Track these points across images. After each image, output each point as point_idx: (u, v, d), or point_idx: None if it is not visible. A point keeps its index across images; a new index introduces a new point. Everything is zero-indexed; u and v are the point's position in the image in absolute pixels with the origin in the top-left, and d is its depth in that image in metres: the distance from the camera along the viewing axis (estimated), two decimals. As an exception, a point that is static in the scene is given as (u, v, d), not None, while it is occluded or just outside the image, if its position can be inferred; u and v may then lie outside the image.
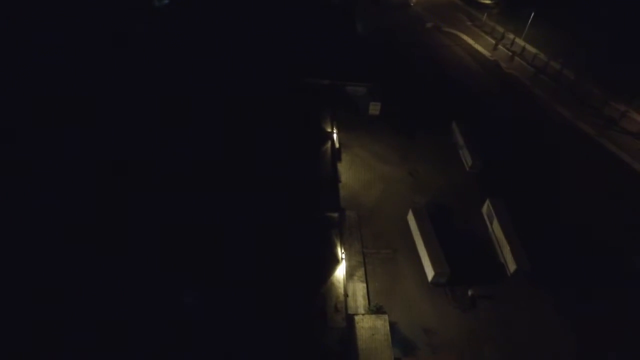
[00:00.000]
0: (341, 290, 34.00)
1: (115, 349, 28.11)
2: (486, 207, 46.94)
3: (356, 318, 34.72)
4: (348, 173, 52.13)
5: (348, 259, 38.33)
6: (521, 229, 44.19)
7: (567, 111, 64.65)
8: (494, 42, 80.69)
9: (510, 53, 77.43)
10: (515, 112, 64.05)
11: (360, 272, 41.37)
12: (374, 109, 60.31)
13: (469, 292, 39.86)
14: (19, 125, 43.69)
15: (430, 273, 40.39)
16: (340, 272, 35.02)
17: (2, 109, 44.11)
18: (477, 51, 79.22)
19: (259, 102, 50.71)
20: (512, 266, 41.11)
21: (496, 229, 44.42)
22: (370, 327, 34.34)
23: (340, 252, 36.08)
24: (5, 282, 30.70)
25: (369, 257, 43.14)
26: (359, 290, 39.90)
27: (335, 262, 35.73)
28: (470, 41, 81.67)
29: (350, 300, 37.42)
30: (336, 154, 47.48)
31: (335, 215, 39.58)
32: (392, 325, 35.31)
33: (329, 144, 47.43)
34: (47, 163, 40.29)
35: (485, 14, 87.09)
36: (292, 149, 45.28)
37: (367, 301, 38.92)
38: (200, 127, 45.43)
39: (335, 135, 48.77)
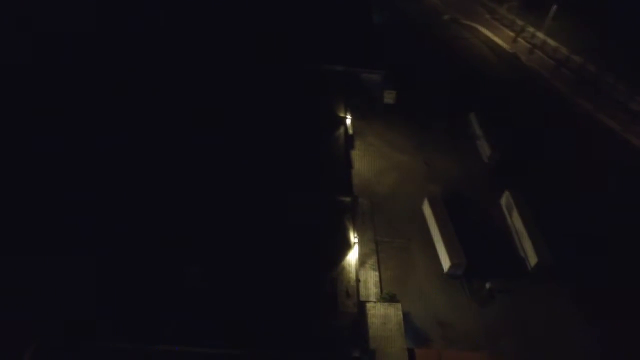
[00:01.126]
0: (352, 275, 32.34)
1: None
2: (505, 199, 44.95)
3: (368, 305, 33.08)
4: (361, 161, 50.53)
5: (360, 246, 36.69)
6: (541, 222, 42.18)
7: (589, 104, 62.22)
8: (513, 35, 78.42)
9: (529, 46, 75.15)
10: (534, 104, 61.81)
11: (373, 261, 39.73)
12: (389, 97, 58.51)
13: (487, 285, 37.94)
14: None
15: (446, 264, 38.56)
16: (352, 257, 33.37)
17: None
18: (495, 44, 76.92)
19: (268, 87, 49.18)
20: (532, 260, 39.12)
21: (516, 221, 42.41)
22: (382, 315, 32.66)
23: (353, 237, 34.44)
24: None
25: (382, 245, 41.48)
26: (371, 278, 38.26)
27: (347, 246, 34.07)
28: (488, 34, 79.40)
29: (361, 288, 35.80)
30: (349, 140, 45.82)
31: (348, 199, 37.92)
32: (405, 316, 33.52)
33: (341, 129, 45.75)
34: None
35: (505, 7, 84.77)
36: (303, 134, 43.65)
37: (379, 290, 37.30)
38: (208, 110, 43.99)
39: (348, 121, 47.14)
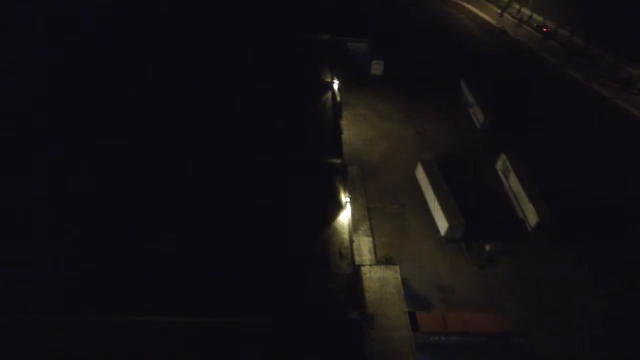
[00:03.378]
0: (346, 236, 29.83)
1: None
2: (501, 162, 43.09)
3: (363, 269, 30.49)
4: (350, 130, 48.12)
5: (353, 211, 34.24)
6: (538, 184, 40.45)
7: (579, 75, 61.13)
8: (499, 11, 77.30)
9: (516, 21, 74.04)
10: (524, 75, 60.38)
11: (365, 226, 37.35)
12: (377, 68, 56.48)
13: (487, 248, 35.87)
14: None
15: (443, 227, 36.38)
16: (344, 218, 30.89)
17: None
18: (482, 19, 75.64)
19: (252, 54, 46.52)
20: (533, 219, 37.25)
21: (513, 183, 40.55)
22: (379, 278, 30.17)
23: (344, 198, 31.97)
24: None
25: (374, 212, 39.16)
26: (365, 244, 35.87)
27: (339, 207, 31.58)
28: (474, 10, 78.12)
29: (355, 255, 33.27)
30: (337, 105, 43.32)
31: (338, 161, 35.43)
32: (402, 281, 31.21)
33: (329, 94, 43.31)
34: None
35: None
36: (290, 98, 41.11)
37: (373, 256, 34.92)
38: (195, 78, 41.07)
39: (335, 86, 44.68)
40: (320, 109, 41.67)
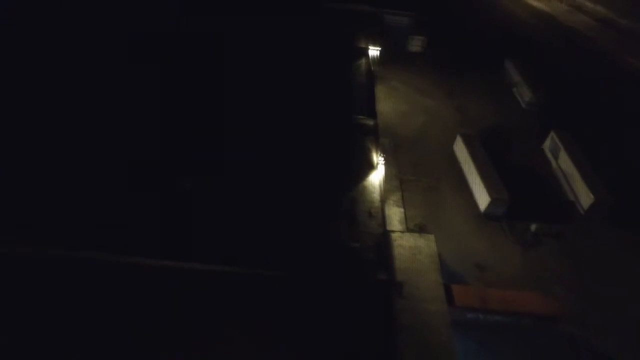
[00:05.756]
0: (376, 196, 27.06)
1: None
2: (550, 141, 39.18)
3: (393, 235, 27.44)
4: (384, 103, 45.14)
5: (385, 178, 31.36)
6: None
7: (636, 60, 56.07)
8: (550, -2, 72.67)
9: (568, 8, 69.24)
10: (578, 61, 55.75)
11: (397, 197, 34.26)
12: (416, 44, 53.30)
13: (532, 228, 32.22)
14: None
15: (484, 202, 32.94)
16: (375, 178, 28.14)
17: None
18: (531, 6, 71.13)
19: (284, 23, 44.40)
20: (587, 201, 33.27)
21: (564, 163, 36.60)
22: (411, 246, 26.98)
23: (376, 158, 29.19)
24: None
25: (406, 184, 36.04)
26: (395, 215, 32.77)
27: (370, 167, 28.86)
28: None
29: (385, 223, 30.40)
30: (371, 71, 40.57)
31: (371, 122, 32.71)
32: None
33: (363, 60, 40.74)
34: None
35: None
36: (323, 63, 38.74)
37: (404, 227, 31.84)
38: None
39: (371, 52, 42.02)
40: (355, 73, 39.22)
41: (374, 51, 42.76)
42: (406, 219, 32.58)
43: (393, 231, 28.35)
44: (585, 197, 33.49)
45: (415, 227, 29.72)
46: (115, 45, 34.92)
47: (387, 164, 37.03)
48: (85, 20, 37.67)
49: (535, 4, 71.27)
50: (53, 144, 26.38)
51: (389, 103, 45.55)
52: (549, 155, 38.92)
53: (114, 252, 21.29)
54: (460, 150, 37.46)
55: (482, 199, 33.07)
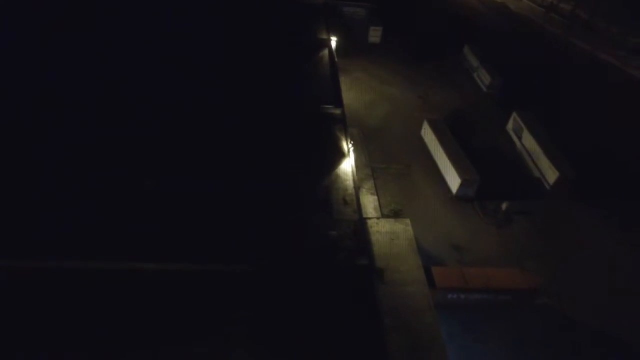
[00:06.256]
0: (350, 183, 26.34)
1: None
2: (512, 122, 40.06)
3: (369, 222, 26.97)
4: (348, 94, 44.50)
5: (356, 166, 30.82)
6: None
7: (585, 44, 58.69)
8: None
9: (517, -2, 71.87)
10: (528, 46, 57.71)
11: (370, 185, 33.88)
12: (375, 35, 53.36)
13: (503, 206, 32.63)
14: None
15: (455, 184, 33.07)
16: (347, 166, 27.48)
17: None
18: (482, -5, 73.24)
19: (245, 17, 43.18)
20: (552, 176, 34.13)
21: (527, 142, 37.47)
22: (388, 231, 26.61)
23: (347, 146, 28.54)
24: None
25: (377, 172, 35.70)
26: (369, 202, 32.36)
27: (341, 155, 28.17)
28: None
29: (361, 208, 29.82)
30: (334, 60, 40.04)
31: (338, 111, 32.05)
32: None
33: (326, 51, 40.10)
34: None
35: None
36: (285, 55, 37.82)
37: (379, 214, 31.47)
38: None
39: (332, 43, 41.46)
40: (318, 64, 38.52)
41: (334, 42, 42.39)
42: (380, 205, 32.23)
43: (369, 218, 27.92)
44: (550, 173, 34.35)
45: (390, 212, 29.35)
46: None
47: (358, 153, 36.73)
48: None
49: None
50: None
51: (353, 93, 45.20)
52: (513, 135, 39.78)
53: (84, 259, 19.53)
54: (428, 135, 37.56)
55: (453, 181, 33.20)
